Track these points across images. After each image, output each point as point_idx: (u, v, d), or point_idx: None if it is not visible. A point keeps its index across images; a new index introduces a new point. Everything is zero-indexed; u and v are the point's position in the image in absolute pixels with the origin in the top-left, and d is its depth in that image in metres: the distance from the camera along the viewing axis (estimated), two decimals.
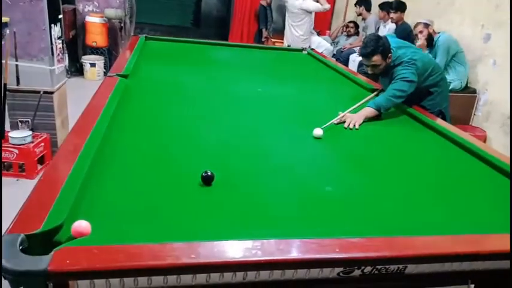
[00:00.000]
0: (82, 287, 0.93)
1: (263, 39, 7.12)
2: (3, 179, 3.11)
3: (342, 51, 6.31)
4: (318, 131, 2.01)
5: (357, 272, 1.07)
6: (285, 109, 2.48)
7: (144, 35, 3.95)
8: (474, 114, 4.35)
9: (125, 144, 1.70)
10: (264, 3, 7.01)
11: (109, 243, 0.99)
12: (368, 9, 6.16)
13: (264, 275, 1.01)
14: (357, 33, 6.55)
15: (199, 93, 2.58)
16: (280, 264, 1.01)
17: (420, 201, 1.51)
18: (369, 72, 2.73)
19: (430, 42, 4.29)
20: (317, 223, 1.28)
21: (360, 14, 6.33)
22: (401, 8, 5.09)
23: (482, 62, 4.28)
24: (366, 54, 2.52)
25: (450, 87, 3.90)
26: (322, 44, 6.20)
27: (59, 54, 3.40)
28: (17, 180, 3.20)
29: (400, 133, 2.30)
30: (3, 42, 3.07)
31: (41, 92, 3.30)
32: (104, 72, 5.89)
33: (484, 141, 4.03)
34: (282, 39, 6.45)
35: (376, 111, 2.38)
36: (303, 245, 1.07)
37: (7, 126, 3.34)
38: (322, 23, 7.34)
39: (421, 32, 4.30)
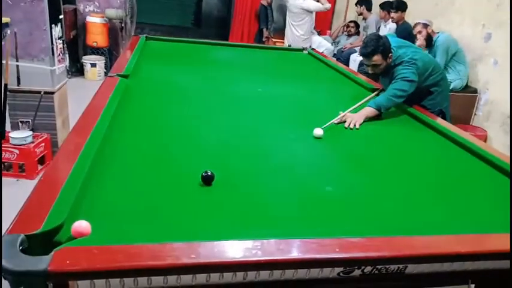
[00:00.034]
0: None
1: (264, 39, 7.11)
2: (4, 179, 3.11)
3: (342, 51, 6.30)
4: (318, 131, 2.01)
5: (357, 272, 1.07)
6: (286, 109, 2.48)
7: (145, 35, 3.95)
8: (475, 114, 4.35)
9: (126, 144, 1.70)
10: (264, 3, 7.01)
11: (109, 243, 1.00)
12: (369, 9, 6.16)
13: (264, 275, 1.01)
14: (357, 33, 6.54)
15: (200, 93, 2.58)
16: (280, 264, 1.01)
17: (420, 200, 1.51)
18: (370, 72, 2.73)
19: (429, 42, 4.29)
20: (317, 223, 1.28)
21: (360, 14, 6.33)
22: (402, 7, 5.09)
23: (482, 61, 4.28)
24: (366, 54, 2.52)
25: (451, 87, 3.90)
26: (322, 44, 6.20)
27: (59, 55, 3.40)
28: (17, 180, 3.20)
29: (400, 133, 2.30)
30: (3, 43, 3.07)
31: (42, 92, 3.30)
32: (105, 72, 5.90)
33: (485, 140, 4.03)
34: (283, 39, 6.45)
35: (377, 110, 2.38)
36: (303, 245, 1.07)
37: (8, 127, 3.34)
38: (322, 22, 7.34)
39: (419, 32, 4.30)
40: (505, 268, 1.16)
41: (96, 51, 6.07)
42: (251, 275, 1.00)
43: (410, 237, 1.16)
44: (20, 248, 0.93)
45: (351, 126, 2.22)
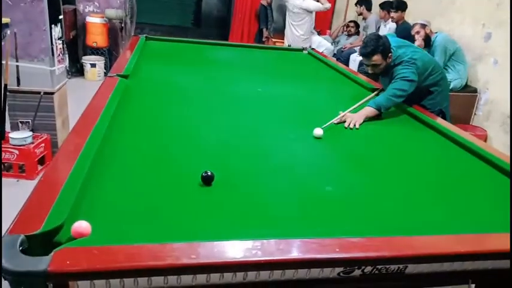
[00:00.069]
0: None
1: (264, 39, 7.11)
2: (4, 179, 3.11)
3: (342, 51, 6.30)
4: (318, 131, 2.01)
5: (357, 272, 1.07)
6: (285, 109, 2.48)
7: (145, 35, 3.95)
8: (475, 114, 4.35)
9: (125, 145, 1.70)
10: (264, 2, 7.00)
11: (109, 243, 1.00)
12: (368, 9, 6.16)
13: (264, 275, 1.01)
14: (357, 33, 6.54)
15: (199, 93, 2.58)
16: (280, 265, 1.01)
17: (420, 200, 1.51)
18: (369, 71, 2.73)
19: (428, 42, 4.29)
20: (317, 223, 1.28)
21: (360, 14, 6.33)
22: (402, 7, 5.09)
23: (482, 61, 4.28)
24: (366, 53, 2.52)
25: (450, 87, 3.90)
26: (322, 44, 6.19)
27: (59, 55, 3.40)
28: (17, 181, 3.20)
29: (400, 132, 2.30)
30: (3, 43, 3.07)
31: (42, 93, 3.30)
32: (105, 72, 5.90)
33: (485, 140, 4.03)
34: (283, 39, 6.45)
35: (377, 110, 2.38)
36: (303, 245, 1.07)
37: (7, 127, 3.34)
38: (322, 22, 7.34)
39: (418, 32, 4.30)
40: (505, 268, 1.16)
41: (96, 51, 6.06)
42: (251, 275, 1.00)
43: (410, 237, 1.16)
44: (20, 248, 0.93)
45: (351, 126, 2.22)
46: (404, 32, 4.70)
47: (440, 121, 2.40)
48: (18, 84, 3.25)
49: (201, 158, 1.66)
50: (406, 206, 1.46)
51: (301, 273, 1.03)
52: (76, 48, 6.18)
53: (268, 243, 1.05)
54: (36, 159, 3.26)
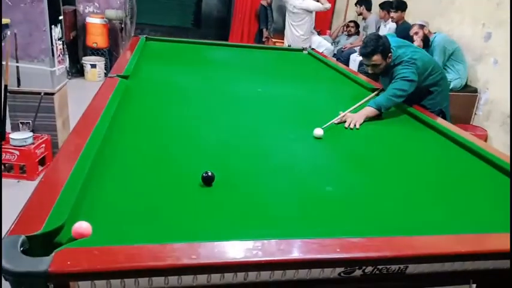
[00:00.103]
0: None
1: (264, 39, 7.12)
2: (4, 180, 3.11)
3: (342, 51, 6.30)
4: (318, 131, 2.01)
5: (358, 272, 1.07)
6: (286, 109, 2.48)
7: (145, 36, 3.95)
8: (475, 114, 4.35)
9: (126, 145, 1.70)
10: (264, 3, 7.01)
11: (110, 244, 1.00)
12: (368, 9, 6.16)
13: (265, 275, 1.01)
14: (357, 33, 6.54)
15: (199, 94, 2.58)
16: (281, 265, 1.01)
17: (421, 200, 1.51)
18: (369, 71, 2.73)
19: (426, 43, 4.30)
20: (318, 223, 1.28)
21: (360, 14, 6.33)
22: (402, 7, 5.09)
23: (483, 60, 4.28)
24: (366, 53, 2.52)
25: (450, 86, 3.90)
26: (322, 44, 6.20)
27: (59, 56, 3.41)
28: (18, 181, 3.20)
29: (400, 132, 2.30)
30: (3, 44, 3.07)
31: (42, 93, 3.30)
32: (105, 73, 5.90)
33: (485, 140, 4.03)
34: (283, 39, 6.45)
35: (377, 110, 2.38)
36: (304, 245, 1.07)
37: (8, 128, 3.34)
38: (322, 22, 7.34)
39: (416, 33, 4.30)
40: (505, 268, 1.16)
41: (96, 52, 6.07)
42: (252, 276, 1.00)
43: (410, 237, 1.16)
44: (21, 249, 0.93)
45: (351, 126, 2.22)
46: (404, 32, 4.70)
47: (440, 121, 2.40)
48: (19, 85, 3.25)
49: (201, 158, 1.67)
50: (406, 206, 1.46)
51: (302, 274, 1.03)
52: (76, 48, 6.18)
53: (269, 244, 1.05)
54: (37, 159, 3.26)
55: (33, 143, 3.23)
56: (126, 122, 1.93)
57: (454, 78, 4.23)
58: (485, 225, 1.32)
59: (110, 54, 6.17)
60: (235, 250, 1.03)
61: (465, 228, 1.27)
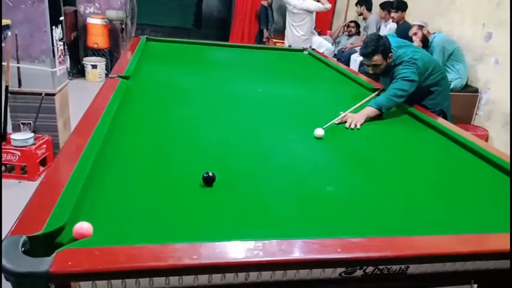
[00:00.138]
0: None
1: (264, 40, 7.12)
2: (6, 181, 3.12)
3: (343, 51, 6.30)
4: (319, 131, 2.01)
5: (359, 272, 1.07)
6: (286, 109, 2.48)
7: (145, 36, 3.95)
8: (476, 114, 4.35)
9: (127, 146, 1.70)
10: (265, 3, 7.01)
11: (111, 244, 1.00)
12: (369, 9, 6.16)
13: (266, 275, 1.01)
14: (358, 33, 6.54)
15: (200, 94, 2.58)
16: (282, 265, 1.01)
17: (422, 200, 1.51)
18: (370, 72, 2.73)
19: (425, 43, 4.29)
20: (318, 223, 1.28)
21: (360, 14, 6.33)
22: (402, 7, 5.09)
23: (483, 61, 4.28)
24: (366, 54, 2.52)
25: (451, 86, 3.89)
26: (323, 44, 6.19)
27: (60, 56, 3.41)
28: (19, 182, 3.21)
29: (401, 133, 2.29)
30: (4, 44, 3.08)
31: (43, 94, 3.31)
32: (106, 73, 5.90)
33: (486, 140, 4.02)
34: (283, 40, 6.45)
35: (378, 110, 2.38)
36: (305, 245, 1.07)
37: (9, 128, 3.35)
38: (323, 23, 7.34)
39: (415, 34, 4.30)
40: (506, 268, 1.15)
41: (96, 52, 6.07)
42: (253, 276, 1.00)
43: (411, 237, 1.16)
44: (22, 249, 0.93)
45: (352, 126, 2.22)
46: (405, 32, 4.70)
47: (441, 121, 2.40)
48: (20, 85, 3.26)
49: (202, 158, 1.67)
50: (407, 206, 1.45)
51: (303, 274, 1.03)
52: (77, 49, 6.19)
53: (269, 244, 1.05)
54: (38, 160, 3.27)
55: (34, 144, 3.23)
56: (126, 123, 1.93)
57: (454, 78, 4.22)
58: (487, 226, 1.32)
59: (111, 55, 6.18)
60: (237, 250, 1.03)
61: (466, 229, 1.27)
